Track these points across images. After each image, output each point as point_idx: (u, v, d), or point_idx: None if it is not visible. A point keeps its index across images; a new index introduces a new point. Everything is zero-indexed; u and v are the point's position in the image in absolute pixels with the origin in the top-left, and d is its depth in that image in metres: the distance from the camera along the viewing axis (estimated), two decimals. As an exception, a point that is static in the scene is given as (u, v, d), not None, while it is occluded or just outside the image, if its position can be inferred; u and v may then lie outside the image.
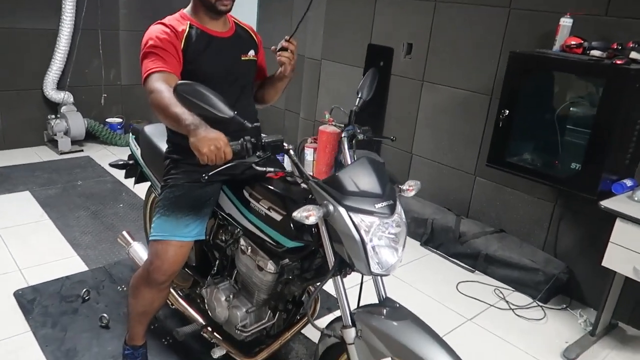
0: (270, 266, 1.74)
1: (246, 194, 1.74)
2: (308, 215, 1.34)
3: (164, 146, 2.13)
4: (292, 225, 1.57)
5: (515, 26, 3.08)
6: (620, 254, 2.26)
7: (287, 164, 1.84)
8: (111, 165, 2.49)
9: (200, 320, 2.07)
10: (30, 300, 2.51)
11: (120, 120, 5.09)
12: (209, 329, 2.03)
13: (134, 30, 4.97)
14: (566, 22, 2.63)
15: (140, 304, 1.91)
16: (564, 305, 2.94)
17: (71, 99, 4.71)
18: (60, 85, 4.67)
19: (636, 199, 2.35)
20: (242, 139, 1.45)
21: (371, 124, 4.04)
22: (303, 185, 1.65)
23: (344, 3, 4.12)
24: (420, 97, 3.70)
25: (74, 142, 4.71)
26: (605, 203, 2.33)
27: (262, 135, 1.47)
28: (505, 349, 2.52)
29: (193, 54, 1.73)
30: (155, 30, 1.71)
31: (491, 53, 3.21)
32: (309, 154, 4.46)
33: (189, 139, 1.42)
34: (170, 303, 2.25)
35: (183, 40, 1.72)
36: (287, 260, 1.77)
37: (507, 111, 2.65)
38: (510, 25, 3.10)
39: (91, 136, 4.88)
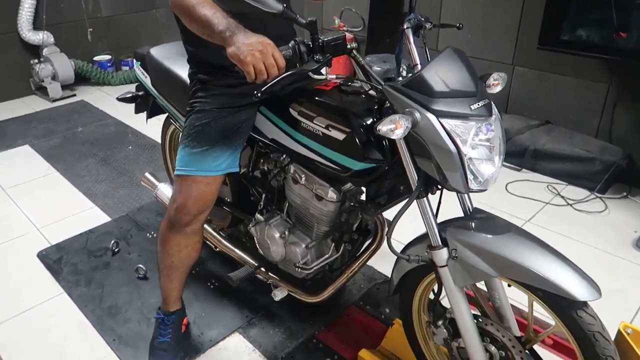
0: (332, 194, 1.49)
1: (294, 113, 1.44)
2: (394, 127, 1.06)
3: (179, 68, 1.83)
4: (359, 142, 1.30)
5: None
6: None
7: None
8: (119, 99, 2.18)
9: (251, 261, 1.87)
10: (57, 260, 2.31)
11: (109, 57, 4.65)
12: (263, 269, 1.83)
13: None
14: None
15: (167, 253, 1.66)
16: (624, 194, 2.75)
17: (52, 39, 4.26)
18: (36, 25, 4.20)
19: None
20: (292, 41, 1.14)
21: (387, 22, 3.69)
22: (366, 93, 1.36)
23: None
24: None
25: (64, 87, 4.33)
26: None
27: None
28: (573, 248, 2.34)
29: None
30: None
31: None
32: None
33: (227, 49, 1.11)
34: (213, 246, 2.04)
35: None
36: (349, 185, 1.53)
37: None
38: None
39: (81, 78, 4.48)
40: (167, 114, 2.17)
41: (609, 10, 2.41)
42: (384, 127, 1.06)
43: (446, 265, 1.26)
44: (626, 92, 2.70)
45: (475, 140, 1.13)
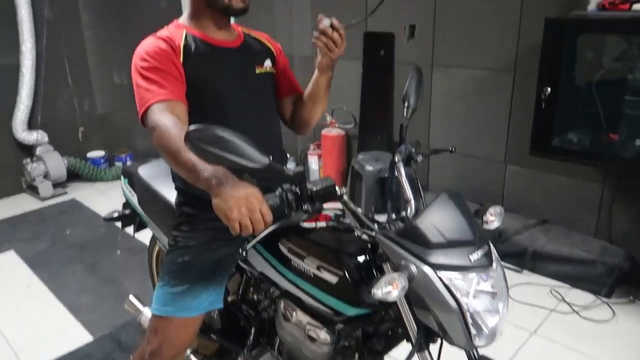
0: (325, 336, 1.38)
1: (283, 249, 1.37)
2: (390, 289, 0.99)
3: (167, 190, 1.77)
4: (353, 286, 1.22)
5: (533, -8, 2.73)
6: None
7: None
8: (106, 220, 2.11)
9: (239, 397, 1.72)
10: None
11: (102, 153, 4.67)
12: (252, 407, 1.67)
13: (103, 52, 4.55)
14: (599, -23, 2.30)
15: None
16: (631, 297, 2.63)
17: (45, 138, 4.29)
18: (31, 125, 4.24)
19: None
20: (279, 189, 1.09)
21: (378, 119, 3.74)
22: (359, 232, 1.30)
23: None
24: (431, 83, 3.34)
25: (55, 185, 4.30)
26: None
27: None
28: (585, 363, 2.20)
29: (195, 68, 1.36)
30: (147, 46, 1.34)
31: (508, 25, 2.87)
32: (313, 162, 4.11)
33: (212, 199, 1.06)
34: (197, 376, 1.89)
35: (181, 53, 1.35)
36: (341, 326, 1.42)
37: (549, 89, 2.31)
38: (527, -9, 2.76)
39: (74, 175, 4.47)
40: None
41: (596, 117, 2.43)
42: (378, 292, 0.98)
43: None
44: (621, 192, 2.68)
45: (482, 289, 1.06)
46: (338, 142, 3.88)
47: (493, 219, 1.24)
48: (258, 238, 1.07)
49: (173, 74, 1.32)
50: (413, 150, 1.38)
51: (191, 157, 1.11)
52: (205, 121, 1.04)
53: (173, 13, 1.34)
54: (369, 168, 3.22)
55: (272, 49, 1.58)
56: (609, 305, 2.58)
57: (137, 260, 3.20)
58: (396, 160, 1.35)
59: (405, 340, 1.32)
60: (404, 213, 1.28)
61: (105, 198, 4.21)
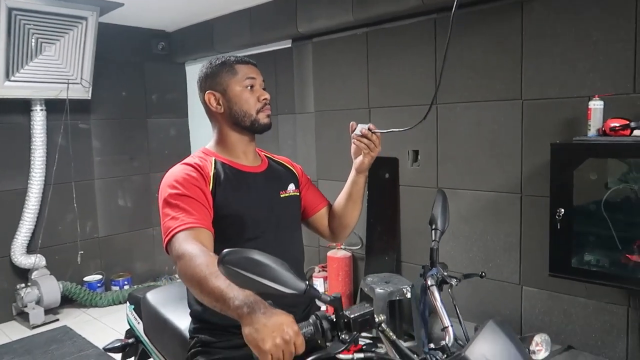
0: None
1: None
2: None
3: (177, 317, 1.68)
4: None
5: (532, 117, 2.86)
6: None
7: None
8: (106, 350, 1.96)
9: None
10: None
11: (99, 277, 4.53)
12: None
13: (109, 178, 4.64)
14: (597, 104, 2.42)
15: None
16: None
17: (43, 262, 4.17)
18: (30, 249, 4.16)
19: None
20: (313, 317, 1.01)
21: (385, 241, 3.70)
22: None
23: (333, 119, 3.92)
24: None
25: (48, 311, 4.09)
26: None
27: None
28: None
29: (223, 196, 1.36)
30: (177, 174, 1.34)
31: (511, 148, 2.96)
32: (319, 284, 3.99)
33: (243, 328, 0.97)
34: None
35: (211, 182, 1.35)
36: None
37: (563, 210, 2.31)
38: (526, 116, 2.89)
39: (67, 300, 4.28)
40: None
41: (610, 238, 2.41)
42: None
43: None
44: (648, 314, 2.56)
45: None
46: (344, 264, 3.80)
47: (540, 348, 1.15)
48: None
49: (201, 202, 1.31)
50: (445, 273, 1.32)
51: (219, 284, 1.05)
52: (230, 247, 1.00)
53: (181, 140, 1.38)
54: (380, 290, 3.10)
55: (294, 171, 1.62)
56: None
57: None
58: (429, 284, 1.28)
59: None
60: (443, 342, 1.18)
61: (99, 325, 3.99)
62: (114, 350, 1.94)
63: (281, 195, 1.51)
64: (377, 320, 1.06)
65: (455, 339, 1.20)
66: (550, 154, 2.40)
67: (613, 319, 2.66)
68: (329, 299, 1.00)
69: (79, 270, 4.48)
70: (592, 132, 2.43)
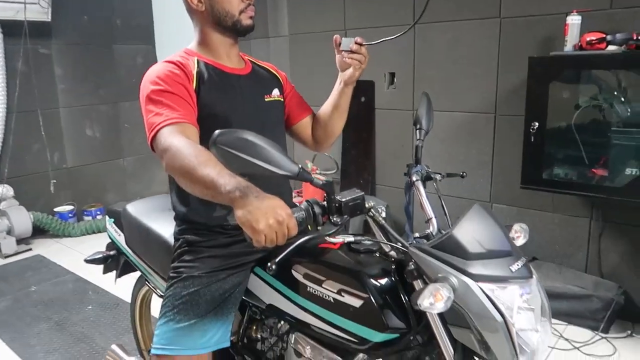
0: (345, 369, 1.27)
1: (297, 276, 1.28)
2: (435, 300, 0.91)
3: (160, 225, 1.68)
4: (379, 310, 1.13)
5: (509, 35, 2.86)
6: None
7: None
8: (87, 261, 1.95)
9: None
10: None
11: (71, 207, 4.46)
12: None
13: (75, 107, 4.46)
14: (574, 20, 2.43)
15: None
16: (629, 332, 2.60)
17: (11, 192, 4.07)
18: (-4, 179, 4.04)
19: None
20: (305, 202, 1.03)
21: (360, 164, 3.74)
22: (381, 251, 1.23)
23: (309, 43, 3.82)
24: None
25: (20, 241, 4.03)
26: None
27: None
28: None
29: (207, 95, 1.32)
30: (159, 70, 1.29)
31: (487, 68, 2.97)
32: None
33: (235, 211, 0.97)
34: None
35: (194, 80, 1.30)
36: (363, 356, 1.31)
37: (537, 124, 2.36)
38: (504, 35, 2.88)
39: (39, 231, 4.22)
40: (139, 274, 1.96)
41: (579, 151, 2.50)
42: (422, 302, 0.90)
43: None
44: (608, 225, 2.71)
45: (524, 304, 1.00)
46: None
47: (519, 235, 1.20)
48: (285, 253, 0.99)
49: (185, 98, 1.27)
50: (429, 169, 1.35)
51: (209, 172, 1.04)
52: None
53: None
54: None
55: (279, 77, 1.58)
56: (608, 341, 2.53)
57: (110, 315, 2.98)
58: (414, 179, 1.31)
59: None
60: (428, 231, 1.23)
61: (74, 254, 3.97)
62: (95, 261, 1.94)
63: (265, 99, 1.48)
64: (367, 205, 1.09)
65: (439, 230, 1.25)
66: (528, 68, 2.42)
67: (576, 230, 2.81)
68: (321, 183, 1.01)
69: (50, 201, 4.39)
70: (568, 47, 2.46)
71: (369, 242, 1.25)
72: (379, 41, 1.45)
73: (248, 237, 0.94)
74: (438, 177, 1.36)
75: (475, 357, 1.11)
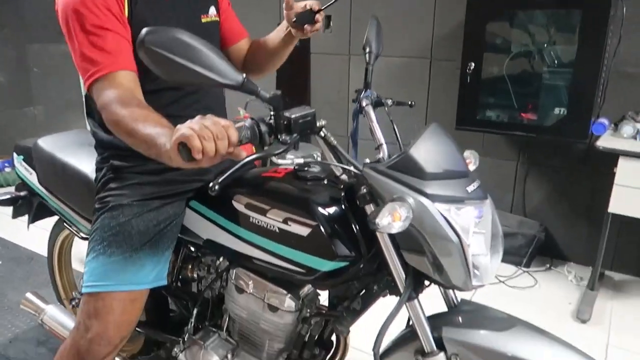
0: (290, 302, 1.21)
1: (238, 206, 1.18)
2: (393, 219, 0.86)
3: (77, 160, 1.51)
4: (328, 238, 1.07)
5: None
6: (628, 195, 2.10)
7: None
8: (-6, 202, 1.73)
9: (178, 396, 1.47)
10: None
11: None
12: (195, 406, 1.44)
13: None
14: (513, -41, 2.41)
15: None
16: (548, 265, 2.78)
17: None
18: None
19: (625, 135, 2.20)
20: (249, 120, 0.92)
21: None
22: (329, 179, 1.16)
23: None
24: (349, 73, 3.31)
25: None
26: (601, 143, 2.16)
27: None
28: (519, 329, 2.24)
29: (140, 18, 1.14)
30: None
31: (423, 13, 2.92)
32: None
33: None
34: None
35: (126, 5, 1.12)
36: (307, 289, 1.26)
37: (473, 64, 2.36)
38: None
39: None
40: (57, 218, 1.78)
41: (521, 89, 2.54)
42: (380, 221, 0.84)
43: (445, 375, 1.03)
44: (534, 168, 2.83)
45: (478, 226, 0.97)
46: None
47: (470, 161, 1.17)
48: (229, 173, 0.88)
49: (118, 31, 1.10)
50: (379, 95, 1.28)
51: (149, 132, 0.94)
52: (152, 76, 0.88)
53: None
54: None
55: None
56: (529, 274, 2.69)
57: (24, 271, 2.74)
58: (364, 104, 1.24)
59: (382, 297, 1.21)
60: (378, 157, 1.17)
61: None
62: (3, 203, 1.72)
63: (202, 20, 1.32)
64: (318, 124, 1.00)
65: (390, 156, 1.19)
66: (466, 6, 2.39)
67: (504, 173, 2.91)
68: (267, 96, 0.91)
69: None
70: (505, -12, 2.45)
71: (316, 170, 1.17)
72: (332, 2, 1.31)
73: (184, 154, 0.82)
74: (389, 102, 1.30)
75: (426, 282, 1.09)
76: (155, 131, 0.93)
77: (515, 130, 2.48)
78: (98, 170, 1.31)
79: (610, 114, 2.44)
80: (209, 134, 0.81)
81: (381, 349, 1.19)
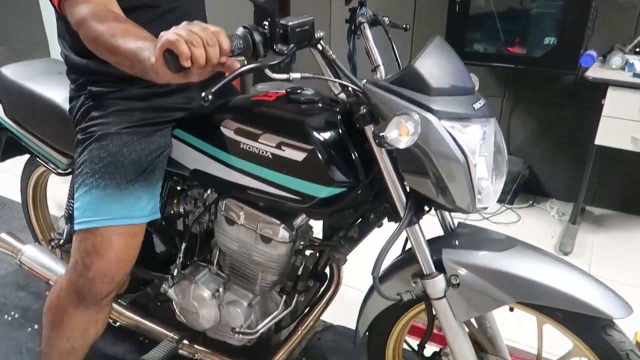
0: (284, 233, 1.17)
1: (227, 132, 1.11)
2: (400, 132, 0.80)
3: (49, 89, 1.40)
4: (324, 162, 1.01)
5: None
6: (616, 126, 2.10)
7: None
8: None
9: (169, 333, 1.44)
10: None
11: None
12: (187, 342, 1.42)
13: None
14: None
15: (66, 337, 1.21)
16: (531, 202, 2.81)
17: None
18: None
19: (614, 66, 2.17)
20: (241, 28, 0.83)
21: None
22: (324, 102, 1.09)
23: None
24: (330, 15, 3.16)
25: None
26: (590, 74, 2.13)
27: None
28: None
29: None
30: None
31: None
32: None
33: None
34: (111, 320, 1.56)
35: None
36: (301, 219, 1.22)
37: (462, -10, 2.27)
38: None
39: None
40: (27, 157, 1.68)
41: (509, 19, 2.46)
42: (392, 133, 0.79)
43: (444, 296, 1.02)
44: (519, 104, 2.80)
45: (483, 146, 0.93)
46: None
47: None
48: (222, 82, 0.80)
49: None
50: (374, 14, 1.19)
51: (130, 46, 0.85)
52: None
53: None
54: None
55: None
56: (513, 211, 2.71)
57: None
58: (359, 22, 1.15)
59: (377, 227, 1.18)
60: (376, 77, 1.11)
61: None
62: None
63: None
64: (316, 35, 0.92)
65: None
66: None
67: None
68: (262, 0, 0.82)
69: None
70: None
71: (310, 92, 1.10)
72: None
73: (172, 63, 0.73)
74: (386, 19, 1.21)
75: (426, 207, 1.06)
76: (137, 45, 0.84)
77: (504, 62, 2.41)
78: (74, 98, 1.21)
79: (598, 46, 2.40)
80: (197, 40, 0.72)
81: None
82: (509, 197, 2.73)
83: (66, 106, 1.28)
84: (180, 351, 1.42)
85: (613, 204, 2.75)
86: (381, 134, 0.79)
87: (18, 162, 1.79)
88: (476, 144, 0.90)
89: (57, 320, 1.20)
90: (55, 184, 1.96)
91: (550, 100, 2.71)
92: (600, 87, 2.13)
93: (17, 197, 1.94)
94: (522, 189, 2.83)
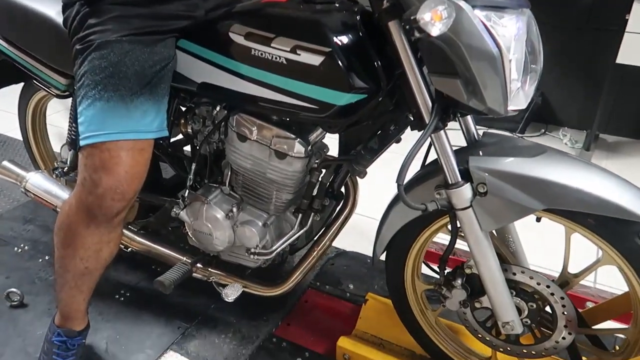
0: (300, 147, 1.11)
1: (237, 38, 1.03)
2: (433, 17, 0.72)
3: (41, 4, 1.30)
4: (343, 66, 0.94)
5: None
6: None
7: None
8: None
9: (182, 257, 1.42)
10: None
11: None
12: (201, 265, 1.40)
13: None
14: None
15: (79, 258, 1.18)
16: (542, 131, 2.75)
17: None
18: None
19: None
20: None
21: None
22: (342, 2, 1.01)
23: None
24: None
25: None
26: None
27: None
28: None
29: None
30: None
31: None
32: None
33: None
34: (123, 246, 1.53)
35: None
36: (316, 134, 1.16)
37: None
38: None
39: None
40: (22, 85, 1.60)
41: None
42: (426, 15, 0.71)
43: (470, 206, 0.98)
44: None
45: (517, 41, 0.85)
46: None
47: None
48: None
49: None
50: None
51: None
52: None
53: None
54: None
55: None
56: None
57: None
58: None
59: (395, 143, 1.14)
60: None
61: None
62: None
63: None
64: None
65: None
66: None
67: (502, 35, 2.76)
68: None
69: None
70: None
71: (326, -8, 1.01)
72: None
73: None
74: None
75: (451, 116, 1.00)
76: None
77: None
78: (68, 6, 1.11)
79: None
80: None
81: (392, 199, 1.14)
82: (520, 125, 2.67)
83: (59, 19, 1.20)
84: (194, 274, 1.40)
85: (627, 132, 2.69)
86: (412, 17, 0.72)
87: (16, 100, 1.72)
88: (511, 38, 0.83)
89: (68, 240, 1.17)
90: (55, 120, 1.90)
91: (565, 23, 2.59)
92: (621, 5, 2.02)
93: (17, 135, 1.87)
94: (534, 119, 2.77)
